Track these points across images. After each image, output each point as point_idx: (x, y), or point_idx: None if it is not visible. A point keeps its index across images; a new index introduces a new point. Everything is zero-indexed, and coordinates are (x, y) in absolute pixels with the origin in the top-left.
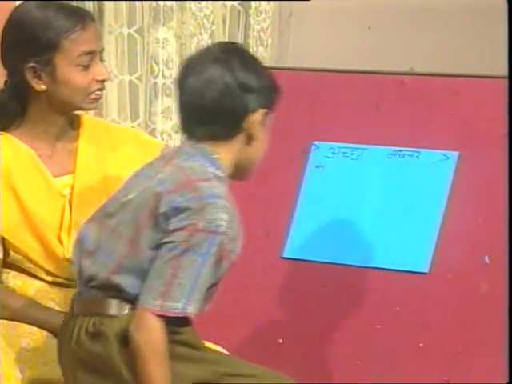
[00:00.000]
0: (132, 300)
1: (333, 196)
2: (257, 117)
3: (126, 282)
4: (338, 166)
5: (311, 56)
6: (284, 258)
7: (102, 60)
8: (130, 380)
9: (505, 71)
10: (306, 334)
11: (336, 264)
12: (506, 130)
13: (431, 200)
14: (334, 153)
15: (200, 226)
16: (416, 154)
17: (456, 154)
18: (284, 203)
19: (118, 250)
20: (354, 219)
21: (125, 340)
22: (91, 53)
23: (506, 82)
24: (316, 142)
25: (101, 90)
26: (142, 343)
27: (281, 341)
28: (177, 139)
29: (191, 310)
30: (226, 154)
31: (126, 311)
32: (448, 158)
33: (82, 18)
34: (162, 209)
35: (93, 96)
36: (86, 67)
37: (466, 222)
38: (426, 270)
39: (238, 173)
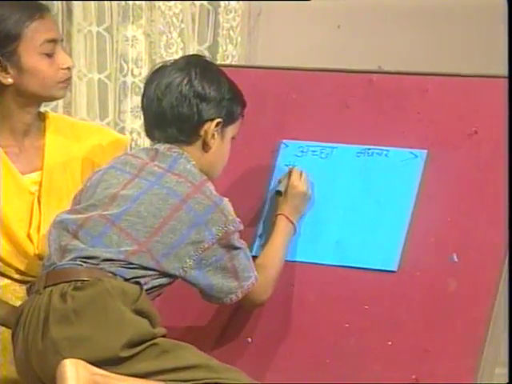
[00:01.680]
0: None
1: None
2: (211, 126)
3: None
4: (307, 165)
5: (280, 54)
6: (253, 256)
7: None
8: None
9: (488, 70)
10: (274, 333)
11: (304, 263)
12: (474, 128)
13: (400, 198)
14: (302, 151)
15: (230, 230)
16: (385, 153)
17: (424, 152)
18: (253, 202)
19: (124, 236)
20: (323, 218)
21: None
22: (53, 41)
23: (475, 81)
24: (285, 141)
25: (69, 78)
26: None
27: (250, 340)
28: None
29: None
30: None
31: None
32: (416, 156)
33: (38, 8)
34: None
35: (61, 84)
36: (50, 55)
37: (435, 221)
38: (394, 269)
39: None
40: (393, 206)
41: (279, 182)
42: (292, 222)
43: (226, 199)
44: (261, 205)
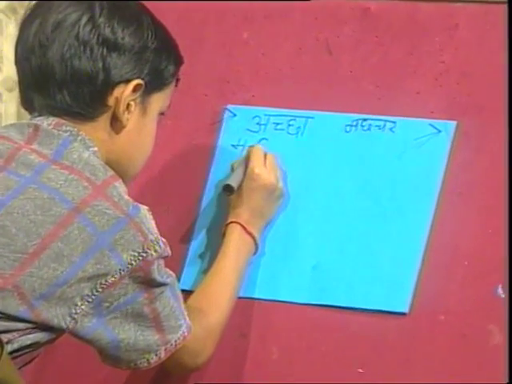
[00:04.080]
0: None
1: None
2: (125, 91)
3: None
4: (267, 145)
5: None
6: (184, 291)
7: None
8: None
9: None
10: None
11: (268, 301)
12: None
13: (414, 199)
14: (259, 123)
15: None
16: (389, 125)
17: (452, 124)
18: (184, 207)
19: None
20: (296, 229)
21: None
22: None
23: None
24: (231, 107)
25: None
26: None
27: None
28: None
29: None
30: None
31: None
32: (440, 131)
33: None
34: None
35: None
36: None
37: (468, 235)
38: (405, 310)
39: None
40: (403, 210)
41: (232, 170)
42: (251, 235)
43: (144, 208)
44: (196, 210)
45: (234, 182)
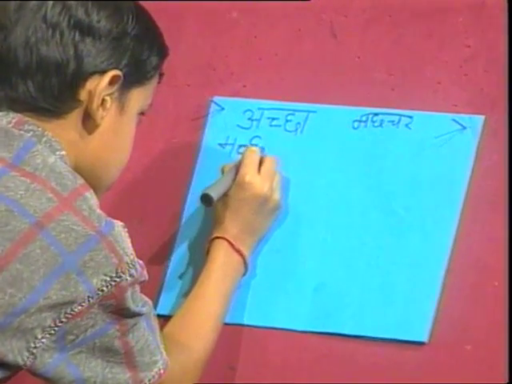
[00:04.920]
0: None
1: None
2: (100, 83)
3: None
4: (261, 144)
5: None
6: (161, 316)
7: None
8: None
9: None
10: None
11: (261, 328)
12: None
13: (435, 208)
14: (251, 119)
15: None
16: (405, 121)
17: (480, 119)
18: (165, 219)
19: None
20: (293, 249)
21: None
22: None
23: None
24: (218, 98)
25: None
26: None
27: None
28: None
29: None
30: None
31: None
32: (465, 127)
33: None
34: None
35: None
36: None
37: (495, 254)
38: (424, 339)
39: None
40: (421, 221)
41: (222, 172)
42: (239, 252)
43: (118, 224)
44: (176, 222)
45: (214, 191)
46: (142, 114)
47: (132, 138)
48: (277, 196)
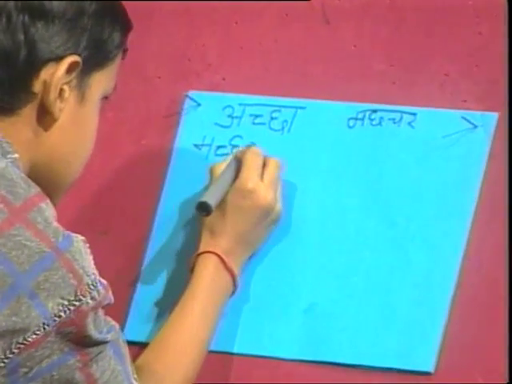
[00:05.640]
0: None
1: None
2: (57, 72)
3: None
4: (243, 144)
5: None
6: (131, 343)
7: None
8: None
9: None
10: None
11: (252, 356)
12: None
13: (440, 219)
14: (231, 116)
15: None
16: (407, 119)
17: (492, 117)
18: (134, 232)
19: None
20: (281, 266)
21: None
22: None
23: None
24: (194, 94)
25: None
26: None
27: None
28: None
29: None
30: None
31: None
32: (475, 125)
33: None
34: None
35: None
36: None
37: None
38: (430, 369)
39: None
40: (426, 233)
41: (211, 177)
42: (230, 271)
43: (78, 239)
44: (146, 233)
45: (212, 198)
46: (105, 98)
47: (95, 128)
48: (279, 207)
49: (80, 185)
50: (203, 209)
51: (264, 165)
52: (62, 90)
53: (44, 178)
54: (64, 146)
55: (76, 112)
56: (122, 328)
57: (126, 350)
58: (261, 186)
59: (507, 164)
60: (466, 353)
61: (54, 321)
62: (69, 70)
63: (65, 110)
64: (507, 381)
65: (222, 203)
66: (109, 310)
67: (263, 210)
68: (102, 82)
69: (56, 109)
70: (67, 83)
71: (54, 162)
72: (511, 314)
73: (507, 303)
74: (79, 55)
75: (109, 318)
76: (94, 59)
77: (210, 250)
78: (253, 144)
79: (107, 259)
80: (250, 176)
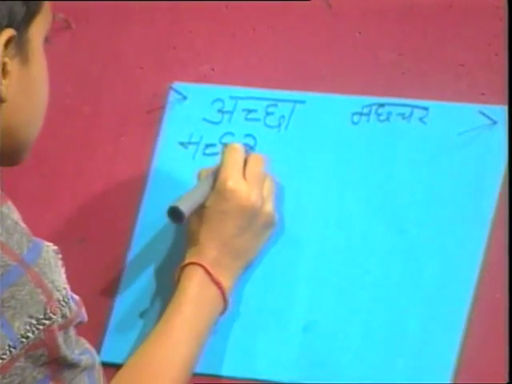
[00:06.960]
0: None
1: None
2: None
3: None
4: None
5: None
6: (106, 364)
7: None
8: None
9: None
10: None
11: (243, 380)
12: None
13: (456, 228)
14: (222, 110)
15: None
16: (418, 114)
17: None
18: (116, 239)
19: None
20: (276, 279)
21: None
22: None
23: None
24: (179, 86)
25: None
26: None
27: None
28: None
29: None
30: None
31: None
32: (495, 121)
33: None
34: None
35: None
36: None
37: None
38: (448, 381)
39: None
40: (440, 242)
41: (197, 178)
42: (218, 285)
43: (48, 248)
44: (127, 242)
45: (184, 203)
46: (46, 41)
47: (46, 77)
48: (269, 207)
49: (54, 188)
50: (174, 216)
51: (245, 162)
52: (4, 64)
53: (6, 146)
54: (17, 115)
55: (22, 77)
56: (99, 347)
57: (101, 375)
58: (242, 185)
59: None
60: (484, 366)
61: (22, 342)
62: (7, 44)
63: (11, 80)
64: (507, 381)
65: (203, 208)
66: (84, 326)
67: (248, 210)
68: (40, 28)
69: (2, 89)
70: (8, 56)
71: (10, 134)
72: (511, 311)
73: None
74: (11, 25)
75: (83, 340)
76: (29, 12)
77: (195, 261)
78: (234, 142)
79: (84, 269)
80: (230, 175)
